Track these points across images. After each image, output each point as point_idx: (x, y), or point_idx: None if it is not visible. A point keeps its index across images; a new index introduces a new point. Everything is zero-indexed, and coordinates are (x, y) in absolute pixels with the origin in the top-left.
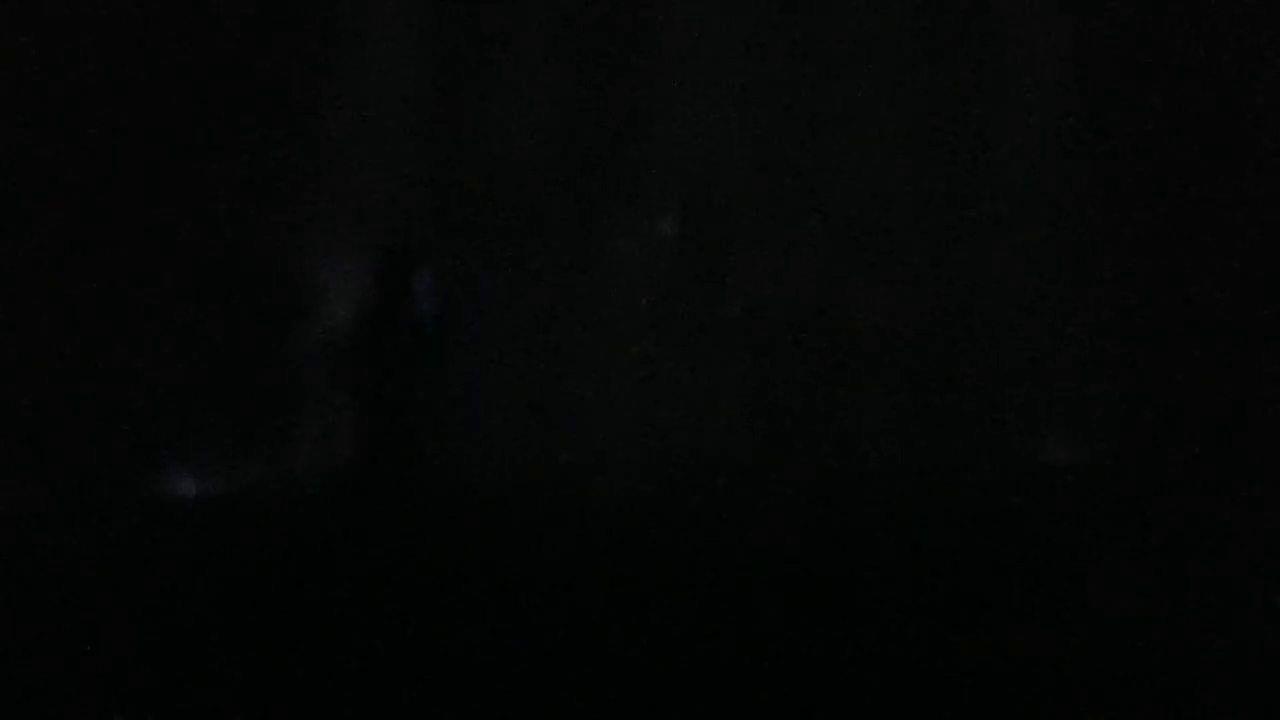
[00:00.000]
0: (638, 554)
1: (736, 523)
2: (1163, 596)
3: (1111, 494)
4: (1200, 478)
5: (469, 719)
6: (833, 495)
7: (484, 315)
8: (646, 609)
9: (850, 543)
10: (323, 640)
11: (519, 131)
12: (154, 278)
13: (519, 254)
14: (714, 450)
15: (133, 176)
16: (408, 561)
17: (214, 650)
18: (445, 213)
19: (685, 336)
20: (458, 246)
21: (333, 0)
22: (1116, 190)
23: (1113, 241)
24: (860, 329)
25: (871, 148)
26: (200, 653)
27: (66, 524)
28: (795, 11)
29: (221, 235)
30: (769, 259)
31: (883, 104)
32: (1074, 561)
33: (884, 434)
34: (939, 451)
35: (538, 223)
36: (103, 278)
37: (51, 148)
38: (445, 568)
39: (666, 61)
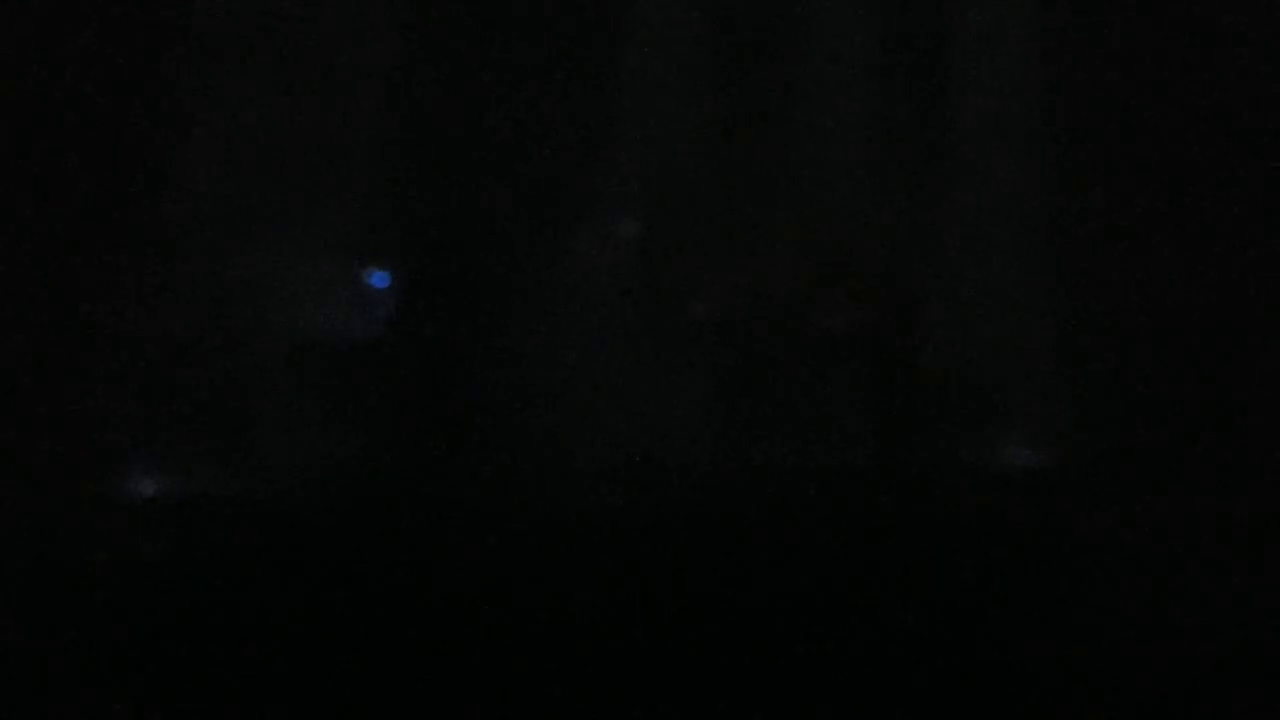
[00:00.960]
0: (599, 559)
1: (697, 527)
2: (1124, 599)
3: (1074, 498)
4: (1163, 481)
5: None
6: (794, 498)
7: (444, 318)
8: (611, 613)
9: (813, 545)
10: (283, 643)
11: (481, 131)
12: (116, 275)
13: (478, 256)
14: (675, 454)
15: (94, 174)
16: (371, 564)
17: (173, 652)
18: (404, 214)
19: (647, 339)
20: (417, 248)
21: (299, 3)
22: (1078, 195)
23: (1075, 245)
24: (821, 332)
25: (836, 150)
26: (159, 655)
27: (26, 524)
28: (763, 13)
29: (183, 234)
30: (732, 263)
31: (848, 107)
32: (1035, 565)
33: (845, 437)
34: (901, 455)
35: (498, 224)
36: (64, 276)
37: (10, 144)
38: (408, 572)
39: (630, 60)
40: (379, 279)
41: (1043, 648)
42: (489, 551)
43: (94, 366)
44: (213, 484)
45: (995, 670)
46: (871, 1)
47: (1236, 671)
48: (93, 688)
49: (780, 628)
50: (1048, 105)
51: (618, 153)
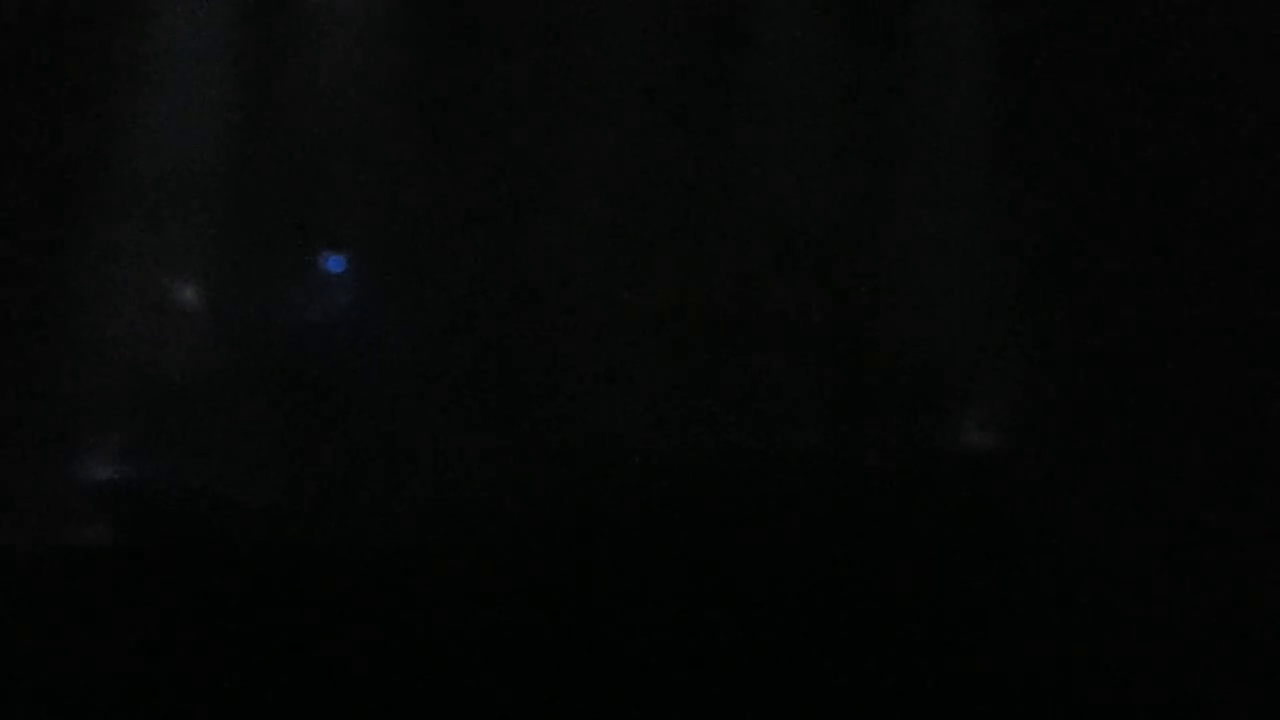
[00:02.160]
0: (559, 545)
1: (656, 513)
2: (1075, 583)
3: (1026, 481)
4: (1115, 465)
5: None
6: (750, 482)
7: (406, 306)
8: (570, 600)
9: (768, 530)
10: (229, 630)
11: (440, 118)
12: (73, 267)
13: (434, 242)
14: (637, 440)
15: (57, 168)
16: (323, 554)
17: (124, 639)
18: (364, 202)
19: (608, 327)
20: (378, 236)
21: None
22: (1031, 182)
23: (1025, 230)
24: (777, 317)
25: (794, 138)
26: (110, 641)
27: None
28: (720, 2)
29: (139, 227)
30: (690, 251)
31: (806, 97)
32: (988, 548)
33: (800, 421)
34: (856, 439)
35: (457, 211)
36: (19, 265)
37: None
38: (361, 562)
39: (588, 49)
40: (334, 263)
41: (1003, 631)
42: (448, 536)
43: (47, 356)
44: (165, 472)
45: (955, 653)
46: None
47: (1193, 651)
48: (45, 676)
49: (740, 615)
50: (1006, 92)
51: (575, 140)
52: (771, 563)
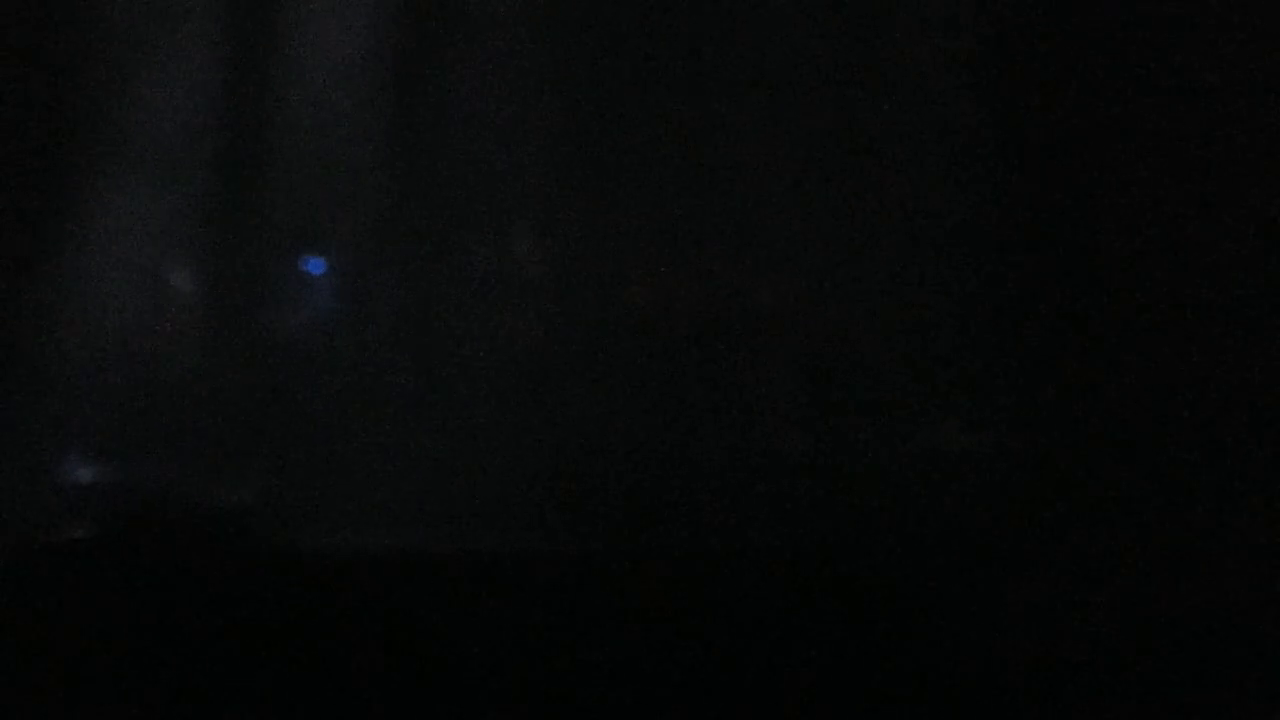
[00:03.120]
0: (530, 556)
1: (633, 519)
2: (1062, 583)
3: (1010, 481)
4: (1099, 464)
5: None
6: (731, 485)
7: (373, 316)
8: (561, 600)
9: (748, 533)
10: (214, 629)
11: (433, 127)
12: (54, 264)
13: (418, 249)
14: (612, 446)
15: (45, 164)
16: (299, 558)
17: (106, 638)
18: (344, 205)
19: (582, 334)
20: (349, 246)
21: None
22: (1012, 180)
23: (1009, 230)
24: (758, 319)
25: (767, 139)
26: (93, 641)
27: None
28: (698, 17)
29: (119, 226)
30: (666, 255)
31: (777, 97)
32: (972, 548)
33: (782, 423)
34: (838, 440)
35: (430, 217)
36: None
37: None
38: (330, 565)
39: (571, 59)
40: (315, 265)
41: (984, 630)
42: (436, 537)
43: (32, 360)
44: (151, 473)
45: (938, 649)
46: (806, 6)
47: (1189, 649)
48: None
49: (724, 615)
50: (996, 96)
51: (562, 145)
52: (760, 562)
